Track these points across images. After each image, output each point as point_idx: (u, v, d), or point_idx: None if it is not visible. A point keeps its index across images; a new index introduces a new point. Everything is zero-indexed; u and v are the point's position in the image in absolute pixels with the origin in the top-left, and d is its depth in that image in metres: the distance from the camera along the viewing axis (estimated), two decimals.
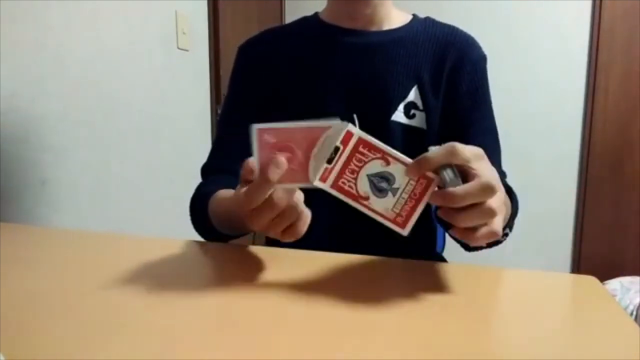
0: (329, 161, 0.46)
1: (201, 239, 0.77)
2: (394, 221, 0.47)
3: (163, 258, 0.62)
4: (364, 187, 0.47)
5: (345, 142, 0.46)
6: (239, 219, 0.61)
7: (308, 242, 0.55)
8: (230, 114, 0.87)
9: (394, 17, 0.84)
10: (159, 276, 0.54)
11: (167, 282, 0.52)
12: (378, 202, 0.47)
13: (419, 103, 0.79)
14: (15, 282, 0.52)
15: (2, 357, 0.34)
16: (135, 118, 1.44)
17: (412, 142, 0.78)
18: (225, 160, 0.85)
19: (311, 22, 0.87)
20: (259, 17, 2.25)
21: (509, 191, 0.77)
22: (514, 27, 2.40)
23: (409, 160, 0.47)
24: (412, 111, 0.79)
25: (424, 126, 0.79)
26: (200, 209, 0.76)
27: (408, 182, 0.47)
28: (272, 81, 0.83)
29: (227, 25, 1.90)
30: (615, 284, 2.03)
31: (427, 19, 0.85)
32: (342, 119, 0.79)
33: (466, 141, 0.80)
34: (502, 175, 0.83)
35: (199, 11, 1.77)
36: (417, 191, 0.47)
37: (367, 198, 0.47)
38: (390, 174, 0.47)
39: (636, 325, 0.42)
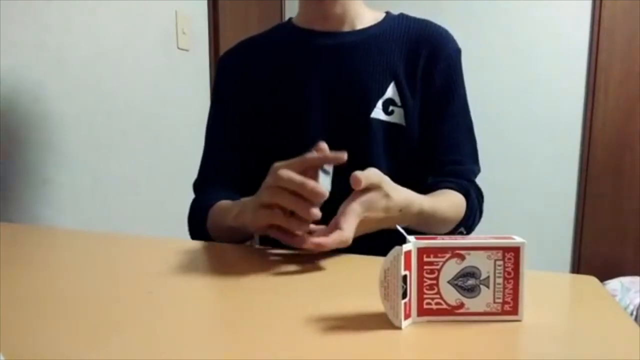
0: (404, 295, 0.40)
1: None
2: (503, 313, 0.42)
3: (163, 258, 0.62)
4: (451, 296, 0.42)
5: (408, 264, 0.40)
6: (242, 220, 0.62)
7: None
8: (215, 130, 0.89)
9: (367, 16, 0.85)
10: (158, 276, 0.54)
11: (166, 282, 0.52)
12: (475, 303, 0.42)
13: (397, 99, 0.80)
14: (15, 282, 0.52)
15: (2, 357, 0.34)
16: (135, 118, 1.44)
17: (392, 138, 0.80)
18: (216, 175, 0.86)
19: (285, 28, 0.88)
20: (259, 17, 2.25)
21: (467, 192, 0.78)
22: (514, 28, 2.40)
23: (483, 241, 0.42)
24: (391, 107, 0.80)
25: (403, 122, 0.80)
26: (198, 220, 0.76)
27: (494, 265, 0.42)
28: (252, 92, 0.84)
29: (227, 25, 1.90)
30: (615, 284, 2.03)
31: (401, 15, 0.86)
32: (324, 121, 0.79)
33: (440, 137, 0.81)
34: (473, 172, 0.83)
35: (199, 11, 1.77)
36: (509, 268, 0.42)
37: (461, 306, 0.42)
38: (472, 267, 0.41)
39: (636, 325, 0.42)
